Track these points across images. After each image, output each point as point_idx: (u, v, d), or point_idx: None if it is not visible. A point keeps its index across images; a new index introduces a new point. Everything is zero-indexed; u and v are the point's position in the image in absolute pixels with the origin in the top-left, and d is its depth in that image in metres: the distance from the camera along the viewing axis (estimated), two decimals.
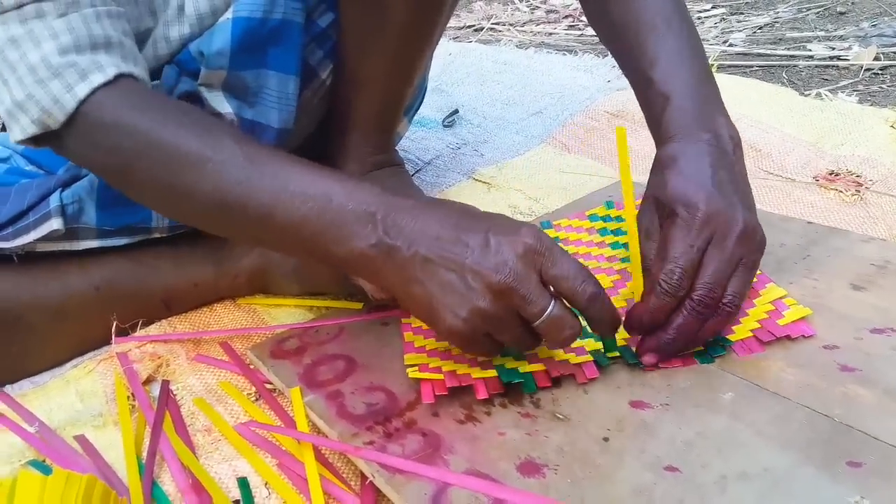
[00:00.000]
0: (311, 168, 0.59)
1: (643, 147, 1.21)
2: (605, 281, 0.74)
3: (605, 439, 0.56)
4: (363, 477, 0.60)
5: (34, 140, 0.62)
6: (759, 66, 1.59)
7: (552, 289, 0.55)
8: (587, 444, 0.55)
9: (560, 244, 0.78)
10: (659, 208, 0.66)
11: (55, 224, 0.73)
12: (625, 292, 0.72)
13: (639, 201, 0.70)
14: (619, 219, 0.88)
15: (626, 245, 0.81)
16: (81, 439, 0.66)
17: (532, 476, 0.53)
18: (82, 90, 0.60)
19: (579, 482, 0.52)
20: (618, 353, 0.63)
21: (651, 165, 0.69)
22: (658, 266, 0.61)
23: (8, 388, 0.74)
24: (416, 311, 0.59)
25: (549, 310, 0.54)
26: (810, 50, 1.65)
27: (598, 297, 0.56)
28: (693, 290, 0.60)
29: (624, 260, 0.79)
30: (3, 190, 0.75)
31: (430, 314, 0.56)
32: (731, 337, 0.64)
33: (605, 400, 0.60)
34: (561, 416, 0.59)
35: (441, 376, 0.62)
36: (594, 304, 0.56)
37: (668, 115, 0.67)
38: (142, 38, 0.75)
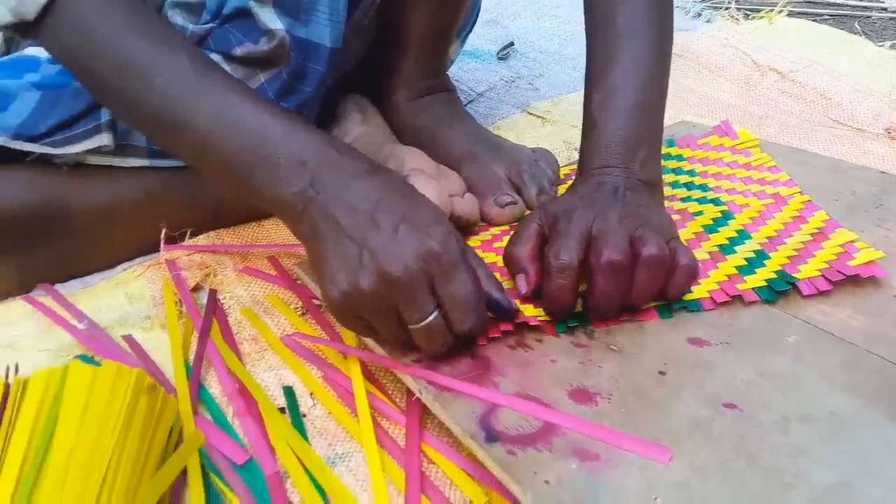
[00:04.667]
0: (255, 100, 0.57)
1: (710, 89, 1.18)
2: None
3: (662, 373, 0.54)
4: (409, 395, 0.59)
5: (13, 28, 0.61)
6: (830, 16, 1.53)
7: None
8: (642, 376, 0.54)
9: None
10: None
11: (105, 139, 0.72)
12: (707, 246, 0.68)
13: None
14: (679, 157, 0.85)
15: (686, 185, 0.79)
16: (129, 339, 0.66)
17: (584, 403, 0.52)
18: None
19: (633, 413, 0.51)
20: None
21: None
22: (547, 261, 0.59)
23: (58, 287, 0.74)
24: (313, 266, 0.58)
25: (426, 321, 0.53)
26: (883, 1, 1.58)
27: (475, 330, 0.54)
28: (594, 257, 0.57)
29: (684, 200, 0.76)
30: (55, 92, 0.73)
31: (319, 274, 0.55)
32: (797, 275, 0.62)
33: (661, 335, 0.58)
34: (615, 348, 0.57)
35: None
36: (472, 334, 0.55)
37: (588, 142, 0.67)
38: None
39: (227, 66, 0.71)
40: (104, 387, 0.48)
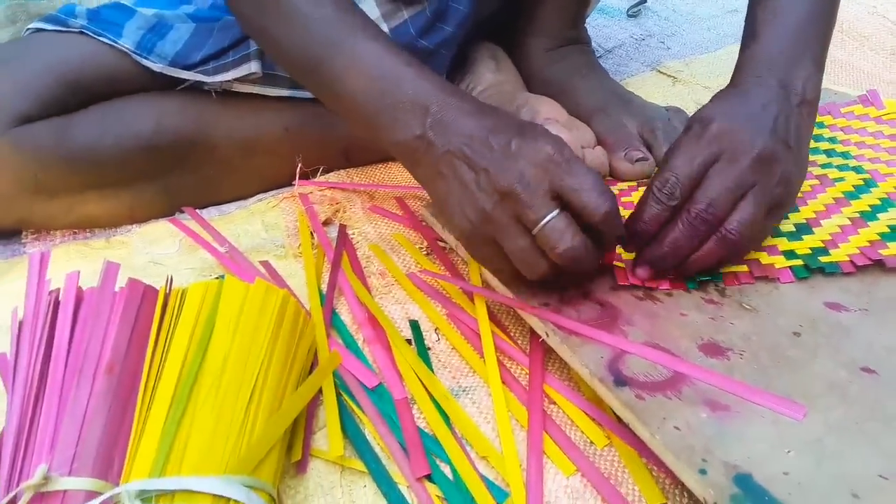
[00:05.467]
0: (388, 47, 0.59)
1: (854, 59, 1.12)
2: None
3: (797, 334, 0.53)
4: (533, 337, 0.60)
5: None
6: None
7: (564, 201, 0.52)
8: (776, 336, 0.53)
9: None
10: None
11: (253, 67, 0.75)
12: (848, 211, 0.65)
13: None
14: (820, 124, 0.82)
15: (826, 152, 0.76)
16: (266, 264, 0.69)
17: (715, 357, 0.52)
18: None
19: (766, 370, 0.50)
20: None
21: None
22: (656, 176, 0.57)
23: (198, 213, 0.78)
24: (438, 207, 0.58)
25: (546, 218, 0.51)
26: None
27: (612, 215, 0.52)
28: (690, 203, 0.56)
29: (824, 166, 0.73)
30: (207, 25, 0.77)
31: (445, 211, 0.56)
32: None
33: (797, 297, 0.57)
34: (748, 307, 0.56)
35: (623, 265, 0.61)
36: (607, 222, 0.52)
37: (746, 57, 0.63)
38: None
39: (372, 0, 0.73)
40: (255, 303, 0.52)
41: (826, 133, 0.80)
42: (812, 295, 0.57)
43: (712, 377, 0.49)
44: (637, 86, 1.05)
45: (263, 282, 0.53)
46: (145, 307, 0.50)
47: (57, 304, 0.49)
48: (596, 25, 1.26)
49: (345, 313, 0.64)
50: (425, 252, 0.72)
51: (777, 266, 0.60)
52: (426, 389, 0.56)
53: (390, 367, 0.58)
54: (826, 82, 1.02)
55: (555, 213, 0.51)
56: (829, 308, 0.56)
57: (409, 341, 0.61)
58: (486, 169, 0.53)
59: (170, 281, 0.53)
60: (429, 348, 0.61)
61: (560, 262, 0.53)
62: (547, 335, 0.56)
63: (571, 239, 0.51)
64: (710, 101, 0.61)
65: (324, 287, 0.66)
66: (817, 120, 0.82)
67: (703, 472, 0.43)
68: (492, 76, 0.86)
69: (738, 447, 0.44)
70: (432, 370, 0.58)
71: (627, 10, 1.31)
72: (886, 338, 0.52)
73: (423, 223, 0.75)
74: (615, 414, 0.52)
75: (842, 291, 0.57)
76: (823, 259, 0.59)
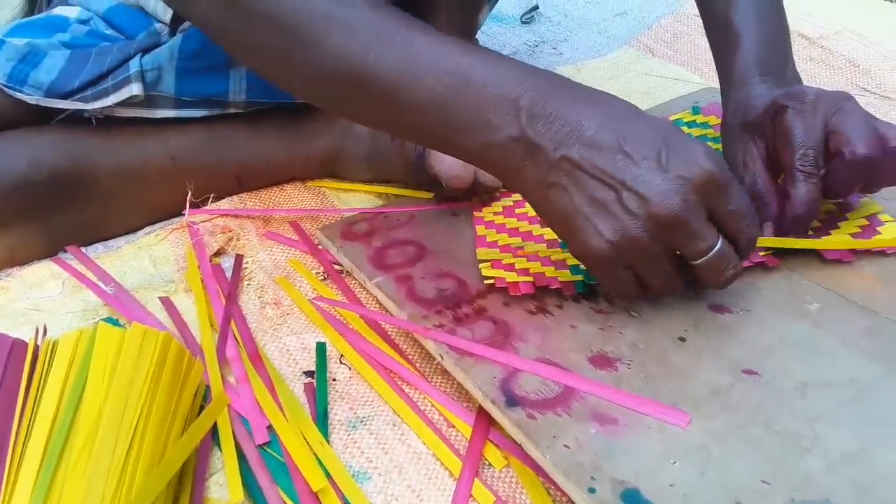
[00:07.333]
0: (446, 39, 0.50)
1: None
2: None
3: (682, 339, 0.54)
4: (430, 359, 0.60)
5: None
6: None
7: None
8: (663, 342, 0.54)
9: None
10: (748, 129, 0.63)
11: (135, 89, 0.72)
12: None
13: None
14: (704, 125, 0.84)
15: None
16: (166, 301, 0.66)
17: (604, 368, 0.52)
18: None
19: (653, 378, 0.51)
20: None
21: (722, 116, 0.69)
22: (789, 158, 0.58)
23: (82, 250, 0.75)
24: (552, 222, 0.51)
25: (716, 248, 0.48)
26: None
27: (755, 241, 0.52)
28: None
29: None
30: (84, 51, 0.74)
31: (570, 229, 0.50)
32: (821, 246, 0.61)
33: (682, 301, 0.58)
34: (635, 314, 0.57)
35: (514, 275, 0.61)
36: (749, 248, 0.51)
37: (739, 56, 0.66)
38: None
39: None
40: (132, 349, 0.49)
41: (711, 133, 0.82)
42: (697, 298, 0.58)
43: (600, 390, 0.49)
44: None
45: (140, 326, 0.51)
46: (13, 363, 0.48)
47: None
48: (490, 33, 1.27)
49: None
50: (321, 277, 0.71)
51: None
52: (306, 442, 0.53)
53: (255, 408, 0.56)
54: (711, 80, 1.05)
55: (720, 242, 0.49)
56: (713, 310, 0.57)
57: (309, 373, 0.60)
58: (633, 189, 0.46)
59: (40, 332, 0.51)
60: (334, 379, 0.60)
61: (717, 288, 0.52)
62: (441, 357, 0.55)
63: (735, 267, 0.50)
64: (745, 100, 0.64)
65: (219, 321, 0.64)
66: (701, 120, 0.84)
67: (591, 490, 0.43)
68: None
69: (626, 461, 0.45)
70: (327, 402, 0.57)
71: (521, 17, 1.33)
72: (767, 337, 0.54)
73: (319, 246, 0.74)
74: None
75: (725, 293, 0.58)
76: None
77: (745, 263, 0.60)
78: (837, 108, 0.58)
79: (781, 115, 0.60)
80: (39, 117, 0.72)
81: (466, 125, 0.49)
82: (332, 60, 0.50)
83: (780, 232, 0.61)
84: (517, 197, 0.77)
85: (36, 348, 0.49)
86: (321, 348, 0.61)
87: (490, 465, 0.52)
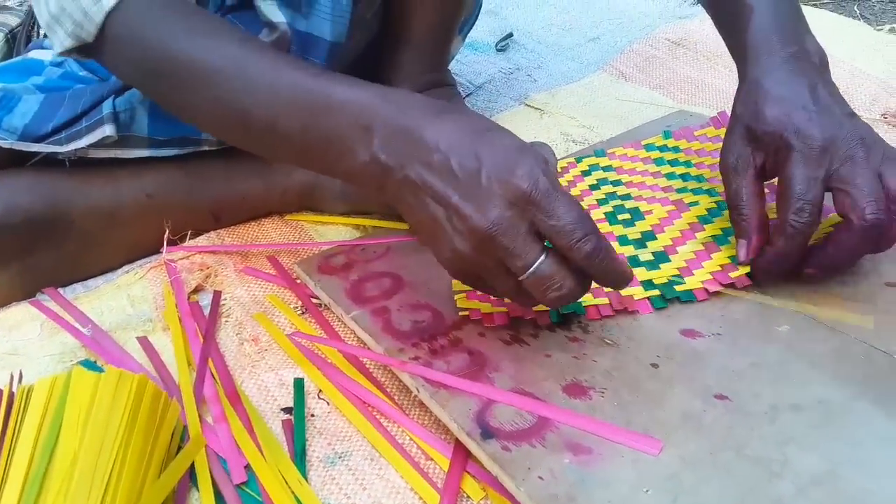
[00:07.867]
0: (307, 71, 0.54)
1: (708, 78, 1.17)
2: (659, 211, 0.72)
3: (654, 365, 0.55)
4: (408, 391, 0.60)
5: (77, 51, 0.62)
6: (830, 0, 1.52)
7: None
8: (636, 369, 0.55)
9: (614, 173, 0.76)
10: (752, 139, 0.61)
11: (108, 130, 0.73)
12: (702, 236, 0.68)
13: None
14: (675, 149, 0.85)
15: (682, 176, 0.79)
16: (144, 341, 0.67)
17: (578, 398, 0.52)
18: (109, 2, 0.58)
19: (626, 406, 0.51)
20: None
21: (736, 90, 0.64)
22: (783, 206, 0.56)
23: (60, 292, 0.75)
24: (416, 234, 0.54)
25: (534, 265, 0.48)
26: None
27: (597, 253, 0.48)
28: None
29: (680, 191, 0.76)
30: (58, 94, 0.75)
31: (425, 242, 0.53)
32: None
33: (655, 327, 0.59)
34: (609, 342, 0.58)
35: (489, 305, 0.62)
36: (593, 261, 0.48)
37: (753, 28, 0.64)
38: None
39: None
40: (107, 393, 0.50)
41: (682, 157, 0.83)
42: (670, 324, 0.59)
43: (572, 419, 0.50)
44: (507, 121, 1.07)
45: (115, 369, 0.51)
46: None
47: None
48: (466, 62, 1.28)
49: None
50: (300, 311, 0.71)
51: (636, 297, 0.61)
52: (284, 480, 0.53)
53: (233, 447, 0.56)
54: (683, 102, 1.07)
55: (541, 258, 0.48)
56: (685, 335, 0.57)
57: (287, 410, 0.60)
58: (457, 207, 0.48)
59: (15, 378, 0.51)
60: (312, 415, 0.60)
61: (551, 306, 0.52)
62: (417, 390, 0.56)
63: (561, 285, 0.48)
64: (755, 97, 0.61)
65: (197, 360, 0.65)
66: (672, 145, 0.86)
67: None
68: None
69: (600, 492, 0.45)
70: (305, 439, 0.57)
71: (496, 44, 1.34)
72: (737, 361, 0.54)
73: (298, 280, 0.74)
74: None
75: (697, 317, 0.59)
76: (679, 288, 0.61)
77: (714, 285, 0.61)
78: (847, 157, 0.55)
79: (786, 155, 0.57)
80: (13, 161, 0.72)
81: (337, 151, 0.52)
82: (214, 105, 0.57)
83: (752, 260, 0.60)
84: None
85: (11, 394, 0.49)
86: (299, 385, 0.62)
87: (468, 497, 0.52)
